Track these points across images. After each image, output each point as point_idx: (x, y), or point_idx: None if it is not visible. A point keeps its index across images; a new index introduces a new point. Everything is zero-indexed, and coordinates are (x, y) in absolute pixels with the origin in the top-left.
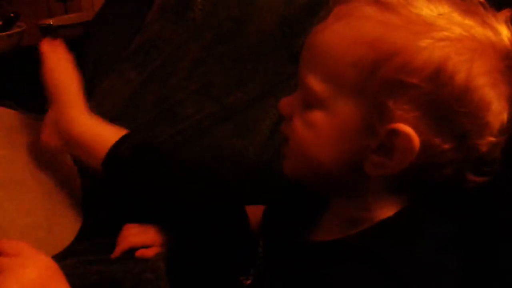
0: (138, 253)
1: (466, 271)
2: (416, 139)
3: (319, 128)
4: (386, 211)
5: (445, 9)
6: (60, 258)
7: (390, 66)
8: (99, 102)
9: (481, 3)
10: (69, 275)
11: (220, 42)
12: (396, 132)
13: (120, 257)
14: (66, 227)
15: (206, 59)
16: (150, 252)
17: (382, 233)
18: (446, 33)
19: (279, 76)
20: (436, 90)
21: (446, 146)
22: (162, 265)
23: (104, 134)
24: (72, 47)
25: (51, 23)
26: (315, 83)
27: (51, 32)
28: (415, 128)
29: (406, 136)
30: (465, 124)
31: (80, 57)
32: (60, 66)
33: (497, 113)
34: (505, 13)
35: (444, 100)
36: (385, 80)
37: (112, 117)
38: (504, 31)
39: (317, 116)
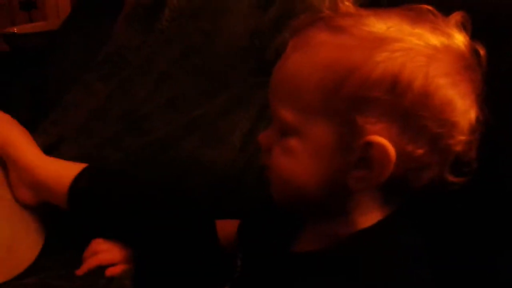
0: (108, 273)
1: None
2: (390, 147)
3: (296, 154)
4: (369, 222)
5: (394, 22)
6: (21, 277)
7: (350, 84)
8: (64, 114)
9: (429, 11)
10: None
11: (188, 55)
12: (370, 144)
13: (84, 273)
14: (28, 246)
15: (174, 71)
16: (116, 270)
17: (359, 244)
18: (398, 44)
19: (248, 87)
20: (398, 99)
21: (420, 151)
22: (128, 284)
23: (62, 172)
24: (36, 56)
25: (15, 31)
26: (286, 114)
27: (15, 40)
28: (387, 137)
29: (381, 146)
30: (432, 127)
31: (44, 67)
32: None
33: (463, 111)
34: (454, 17)
35: (407, 108)
36: (348, 98)
37: (77, 131)
38: (455, 34)
39: (293, 143)
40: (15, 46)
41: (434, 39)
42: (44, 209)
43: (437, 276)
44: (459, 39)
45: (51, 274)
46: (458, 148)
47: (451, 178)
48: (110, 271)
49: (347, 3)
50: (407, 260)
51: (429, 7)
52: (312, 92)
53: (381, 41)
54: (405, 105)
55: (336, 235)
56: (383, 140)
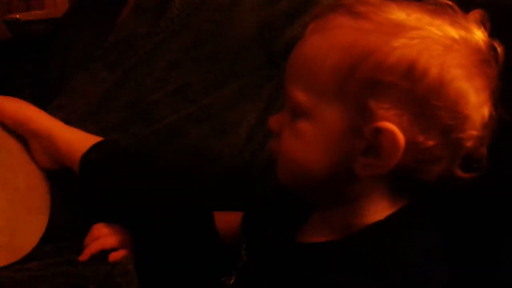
0: (111, 258)
1: (457, 280)
2: (400, 135)
3: (306, 136)
4: (378, 214)
5: (414, 11)
6: (23, 262)
7: (365, 67)
8: (69, 101)
9: (449, 6)
10: (33, 277)
11: (198, 44)
12: (380, 131)
13: (87, 258)
14: (30, 231)
15: (184, 60)
16: (119, 255)
17: (372, 237)
18: (416, 32)
19: (257, 79)
20: (412, 86)
21: (431, 143)
22: (132, 268)
23: (77, 141)
24: (40, 43)
25: (18, 17)
26: (299, 95)
27: (18, 27)
28: (398, 125)
29: (391, 133)
30: (445, 118)
31: (48, 55)
32: (14, 105)
33: (476, 106)
34: (473, 14)
35: (421, 96)
36: (362, 81)
37: (83, 117)
38: (474, 29)
39: (304, 125)
40: (17, 33)
41: (453, 31)
42: (48, 193)
43: (458, 270)
44: (478, 34)
45: (54, 260)
46: (470, 143)
47: (460, 173)
48: (113, 256)
49: None
50: (422, 255)
51: (449, 2)
52: (327, 74)
53: (399, 28)
54: (419, 93)
55: (344, 227)
56: (393, 127)
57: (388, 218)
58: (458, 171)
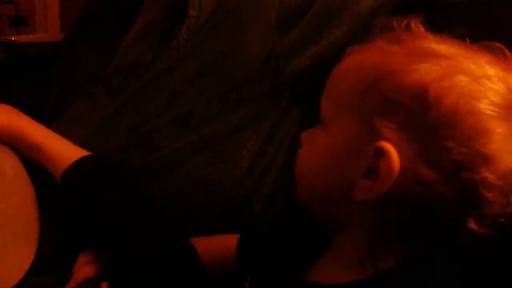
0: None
1: None
2: (395, 158)
3: (317, 146)
4: (388, 260)
5: (454, 46)
6: None
7: (382, 86)
8: (67, 126)
9: (501, 50)
10: None
11: (203, 74)
12: (381, 152)
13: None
14: (17, 261)
15: (187, 89)
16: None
17: (392, 283)
18: (445, 60)
19: (260, 108)
20: (423, 110)
21: (436, 177)
22: None
23: (62, 154)
24: (36, 67)
25: (14, 39)
26: (325, 104)
27: (14, 49)
28: (400, 150)
29: (387, 155)
30: (454, 152)
31: (45, 79)
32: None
33: (503, 150)
34: None
35: (431, 123)
36: (376, 99)
37: (81, 142)
38: None
39: (319, 135)
40: (12, 55)
41: (490, 69)
42: (38, 221)
43: None
44: None
45: None
46: (488, 193)
47: (474, 226)
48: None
49: (419, 26)
50: None
51: (501, 46)
52: (349, 89)
53: (428, 54)
54: (430, 119)
55: (355, 265)
56: (389, 148)
57: (403, 265)
58: (471, 223)
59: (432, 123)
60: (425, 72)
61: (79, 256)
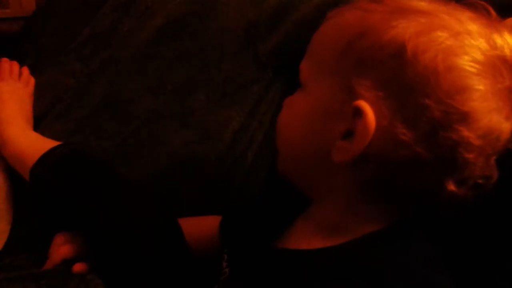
0: (75, 269)
1: None
2: (371, 116)
3: (296, 109)
4: (369, 225)
5: (436, 2)
6: None
7: (359, 44)
8: (38, 94)
9: (484, 8)
10: None
11: (178, 35)
12: (359, 112)
13: (49, 271)
14: None
15: (163, 52)
16: (84, 267)
17: (371, 247)
18: (424, 16)
19: (241, 80)
20: (401, 67)
21: (413, 136)
22: (101, 282)
23: (31, 149)
24: (9, 42)
25: None
26: (304, 66)
27: None
28: (377, 108)
29: (363, 113)
30: (434, 110)
31: (19, 52)
32: None
33: (484, 108)
34: (510, 22)
35: (409, 80)
36: (353, 58)
37: (53, 111)
38: (506, 35)
39: (297, 97)
40: None
41: (472, 25)
42: (10, 202)
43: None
44: (508, 40)
45: (11, 275)
46: (467, 154)
47: (453, 188)
48: (77, 268)
49: None
50: (425, 266)
51: (485, 4)
52: (327, 50)
53: (407, 11)
54: (408, 76)
55: (333, 230)
56: (365, 106)
57: (384, 230)
58: (450, 185)
59: (410, 80)
60: (402, 28)
61: (55, 237)
